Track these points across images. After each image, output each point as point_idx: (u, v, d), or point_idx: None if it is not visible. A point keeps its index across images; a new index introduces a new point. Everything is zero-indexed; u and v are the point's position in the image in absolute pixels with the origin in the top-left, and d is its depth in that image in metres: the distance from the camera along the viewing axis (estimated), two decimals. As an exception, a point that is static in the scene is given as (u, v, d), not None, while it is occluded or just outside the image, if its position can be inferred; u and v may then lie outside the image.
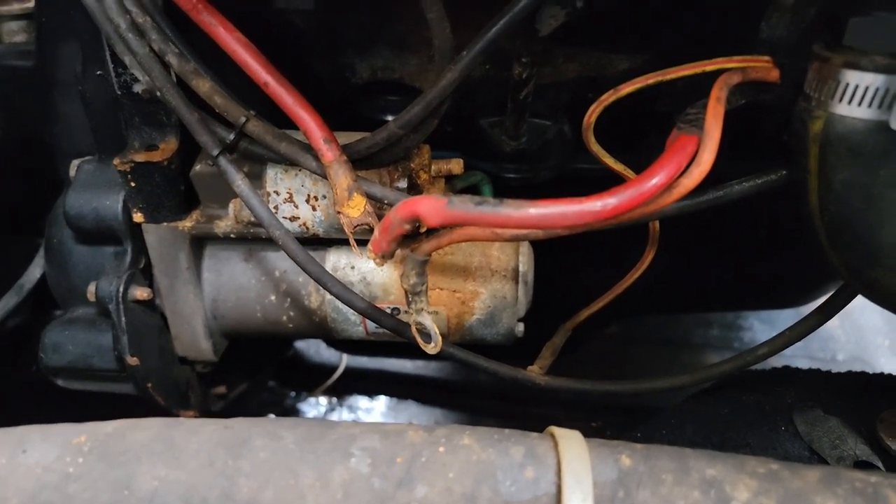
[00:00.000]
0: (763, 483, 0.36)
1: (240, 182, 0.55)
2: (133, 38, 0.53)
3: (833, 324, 1.42)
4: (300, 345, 1.32)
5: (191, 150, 0.63)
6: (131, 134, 0.62)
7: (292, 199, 0.61)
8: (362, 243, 0.54)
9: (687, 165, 0.42)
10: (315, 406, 1.26)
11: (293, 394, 1.27)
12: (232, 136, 0.55)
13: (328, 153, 0.52)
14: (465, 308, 0.65)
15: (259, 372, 1.08)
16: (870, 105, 0.41)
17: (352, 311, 0.66)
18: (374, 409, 1.25)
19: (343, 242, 0.67)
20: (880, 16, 0.40)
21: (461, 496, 0.33)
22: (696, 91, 0.49)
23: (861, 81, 0.41)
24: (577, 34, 0.58)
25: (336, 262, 0.67)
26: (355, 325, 0.69)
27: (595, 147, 0.55)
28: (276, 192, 0.60)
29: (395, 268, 0.66)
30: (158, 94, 0.55)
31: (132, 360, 0.63)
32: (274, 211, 0.60)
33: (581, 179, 0.73)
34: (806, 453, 0.55)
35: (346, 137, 0.57)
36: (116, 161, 0.61)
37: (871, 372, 0.66)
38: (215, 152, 0.55)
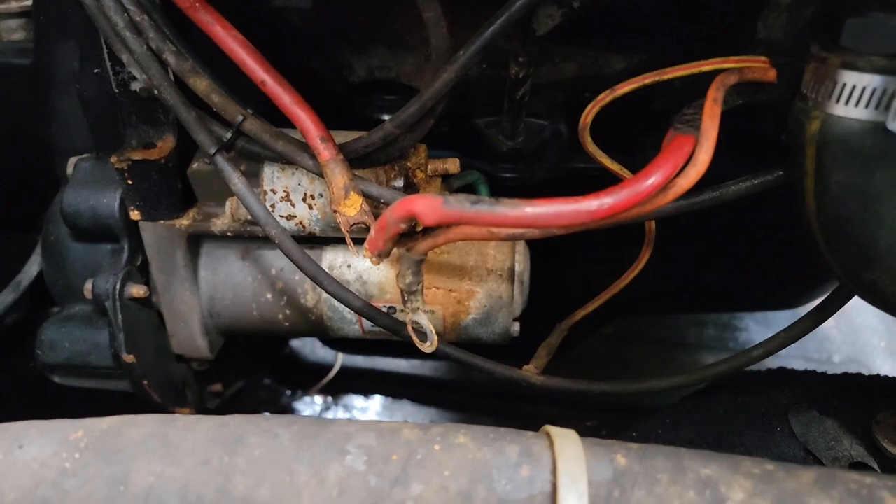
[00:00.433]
0: (758, 484, 0.36)
1: (237, 180, 0.55)
2: (131, 37, 0.53)
3: (829, 325, 1.42)
4: (295, 343, 1.32)
5: (188, 149, 0.63)
6: (129, 132, 0.62)
7: (289, 198, 0.61)
8: (358, 242, 0.54)
9: (683, 165, 0.42)
10: (310, 405, 1.26)
11: (288, 392, 1.27)
12: (229, 135, 0.55)
13: (325, 152, 0.52)
14: (461, 307, 0.65)
15: (255, 370, 1.08)
16: (867, 106, 0.41)
17: (348, 309, 0.66)
18: (369, 408, 1.25)
19: (339, 241, 0.67)
20: (878, 16, 0.40)
21: (457, 494, 0.33)
22: (693, 91, 0.49)
23: (858, 82, 0.41)
24: (573, 34, 0.58)
25: (332, 260, 0.67)
26: (351, 323, 0.69)
27: (591, 147, 0.55)
28: (273, 191, 0.60)
29: (392, 267, 0.66)
30: (156, 92, 0.55)
31: (128, 358, 0.63)
32: (270, 209, 0.60)
33: (577, 179, 0.73)
34: (801, 454, 0.55)
35: (342, 136, 0.57)
36: (114, 159, 0.61)
37: (867, 373, 0.66)
38: (212, 150, 0.55)
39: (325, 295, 0.67)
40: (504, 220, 0.38)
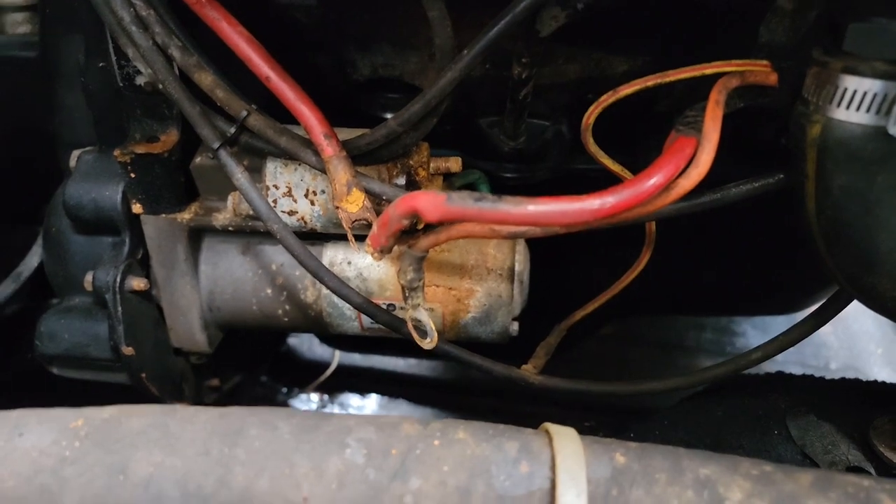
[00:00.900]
0: (756, 485, 0.36)
1: (239, 175, 0.55)
2: (136, 31, 0.53)
3: (826, 331, 1.42)
4: (293, 341, 1.32)
5: (191, 143, 0.63)
6: (132, 125, 0.62)
7: (291, 194, 0.61)
8: (360, 239, 0.54)
9: (685, 167, 0.42)
10: (307, 402, 1.26)
11: (285, 390, 1.27)
12: (233, 130, 0.56)
13: (328, 148, 0.53)
14: (461, 305, 0.66)
15: (253, 366, 1.08)
16: (868, 110, 0.41)
17: (347, 306, 0.66)
18: (365, 406, 1.25)
19: (339, 238, 0.67)
20: (880, 21, 0.40)
21: (455, 489, 0.33)
22: (695, 94, 0.49)
23: (860, 87, 0.41)
24: (577, 35, 0.59)
25: (333, 257, 0.67)
26: (350, 320, 0.69)
27: (593, 148, 0.55)
28: (276, 186, 0.61)
29: (392, 264, 0.66)
30: (161, 86, 0.55)
31: (127, 350, 0.63)
32: (272, 205, 0.60)
33: (578, 180, 0.73)
34: (798, 457, 0.56)
35: (345, 133, 0.57)
36: (117, 152, 0.61)
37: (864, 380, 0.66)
38: (216, 145, 0.55)
39: (325, 291, 0.67)
40: (506, 218, 0.38)
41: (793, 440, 0.56)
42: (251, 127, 0.56)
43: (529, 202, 0.38)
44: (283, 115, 0.55)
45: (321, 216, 0.62)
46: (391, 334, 0.65)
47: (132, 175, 0.62)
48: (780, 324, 0.66)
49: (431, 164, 0.63)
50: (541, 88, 0.64)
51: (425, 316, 0.51)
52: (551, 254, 0.74)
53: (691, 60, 0.49)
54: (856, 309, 0.54)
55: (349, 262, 0.67)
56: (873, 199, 0.43)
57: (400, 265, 0.50)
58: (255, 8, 0.57)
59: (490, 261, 0.65)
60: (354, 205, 0.53)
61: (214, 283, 0.69)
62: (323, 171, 0.54)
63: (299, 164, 0.60)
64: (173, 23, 0.54)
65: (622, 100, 0.50)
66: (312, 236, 0.66)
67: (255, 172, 0.60)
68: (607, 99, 0.51)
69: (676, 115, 0.48)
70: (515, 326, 0.68)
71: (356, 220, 0.53)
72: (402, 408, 1.24)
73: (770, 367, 0.71)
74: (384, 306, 0.64)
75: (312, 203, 0.61)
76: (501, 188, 0.71)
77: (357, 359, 1.29)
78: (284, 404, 1.25)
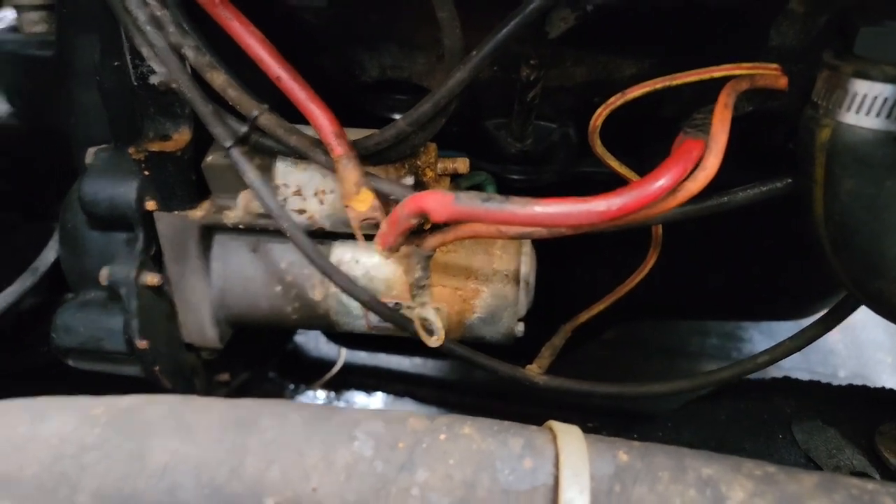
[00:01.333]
0: (759, 485, 0.36)
1: (251, 174, 0.56)
2: (151, 31, 0.54)
3: (834, 339, 1.41)
4: (300, 338, 1.33)
5: (203, 142, 0.64)
6: (146, 124, 0.63)
7: (301, 193, 0.61)
8: (368, 238, 0.55)
9: (692, 170, 0.43)
10: (313, 399, 1.26)
11: (292, 386, 1.27)
12: (245, 129, 0.56)
13: (338, 148, 0.53)
14: (467, 306, 0.66)
15: (261, 363, 1.09)
16: (878, 115, 0.41)
17: (355, 304, 0.66)
18: (370, 405, 1.26)
19: (347, 237, 0.68)
20: (892, 25, 0.40)
21: (461, 483, 0.33)
22: (703, 97, 0.49)
23: (870, 91, 0.41)
24: (585, 38, 0.59)
25: (340, 256, 0.68)
26: (358, 318, 0.70)
27: (600, 150, 0.55)
28: (286, 185, 0.61)
29: (399, 264, 0.66)
30: (174, 85, 0.56)
31: (142, 344, 0.64)
32: (282, 203, 0.61)
33: (585, 183, 0.73)
34: (802, 461, 0.55)
35: (354, 133, 0.57)
36: (131, 150, 0.62)
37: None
38: (228, 144, 0.56)
39: (333, 289, 0.68)
40: (514, 218, 0.39)
41: (797, 444, 0.56)
42: (262, 126, 0.56)
43: (536, 203, 0.39)
44: (294, 115, 0.55)
45: (330, 215, 0.63)
46: (398, 332, 0.65)
47: (146, 172, 0.63)
48: (787, 330, 0.66)
49: (439, 165, 0.64)
50: (548, 91, 0.64)
51: (433, 313, 0.51)
52: (557, 255, 0.74)
53: (699, 64, 0.49)
54: (865, 317, 0.54)
55: (357, 261, 0.67)
56: (882, 205, 0.43)
57: (408, 264, 0.50)
58: (265, 9, 0.58)
59: (496, 262, 0.66)
60: (363, 204, 0.54)
61: (225, 279, 0.70)
62: (332, 170, 0.55)
63: (309, 164, 0.60)
64: (187, 23, 0.55)
65: (629, 103, 0.50)
66: (319, 235, 0.66)
67: (266, 171, 0.61)
68: (615, 101, 0.51)
69: (684, 118, 0.48)
70: (521, 327, 0.68)
71: (365, 220, 0.54)
72: (407, 406, 1.25)
73: (777, 373, 0.71)
74: (391, 305, 0.64)
75: (321, 202, 0.62)
76: (508, 190, 0.71)
77: (363, 357, 1.30)
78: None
